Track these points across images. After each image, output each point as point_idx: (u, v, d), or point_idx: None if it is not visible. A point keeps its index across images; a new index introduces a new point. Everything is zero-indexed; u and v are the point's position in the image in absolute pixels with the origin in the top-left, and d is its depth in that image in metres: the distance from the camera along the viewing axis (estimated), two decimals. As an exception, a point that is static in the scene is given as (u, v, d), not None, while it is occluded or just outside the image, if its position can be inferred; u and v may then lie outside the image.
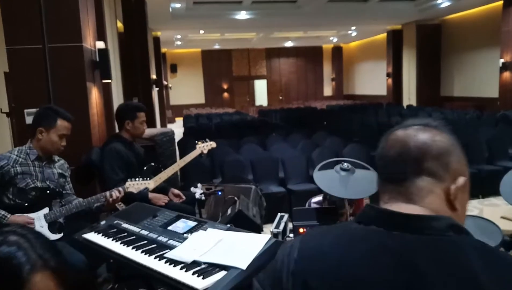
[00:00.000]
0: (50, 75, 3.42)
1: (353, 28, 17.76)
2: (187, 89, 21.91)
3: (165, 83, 17.79)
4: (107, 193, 2.40)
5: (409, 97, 16.07)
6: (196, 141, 3.46)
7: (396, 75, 16.96)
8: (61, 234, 2.33)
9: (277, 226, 2.74)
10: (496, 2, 11.87)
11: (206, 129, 9.56)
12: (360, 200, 1.99)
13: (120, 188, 2.42)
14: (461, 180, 0.81)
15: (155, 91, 11.58)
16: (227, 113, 15.46)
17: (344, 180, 1.82)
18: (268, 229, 3.26)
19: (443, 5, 12.72)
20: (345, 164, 1.90)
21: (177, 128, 12.84)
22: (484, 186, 5.39)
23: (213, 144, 3.44)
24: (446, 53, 15.26)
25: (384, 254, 0.74)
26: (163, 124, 15.12)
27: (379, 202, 0.85)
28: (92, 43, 3.77)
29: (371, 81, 20.80)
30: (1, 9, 3.36)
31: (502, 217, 3.00)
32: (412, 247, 0.74)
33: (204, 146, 3.37)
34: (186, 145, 5.90)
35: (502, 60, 11.44)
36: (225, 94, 22.85)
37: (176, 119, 19.27)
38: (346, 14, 13.77)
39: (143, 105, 3.29)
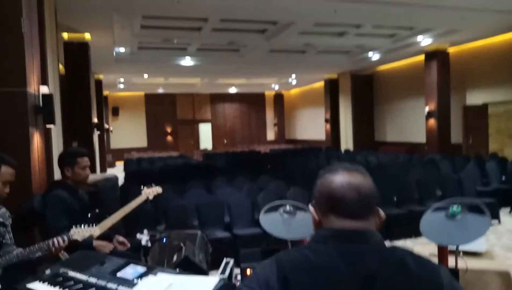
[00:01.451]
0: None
1: (293, 76, 18.74)
2: (128, 132, 21.54)
3: (106, 126, 17.39)
4: (50, 241, 2.34)
5: (346, 141, 16.99)
6: (142, 187, 3.46)
7: (334, 121, 17.92)
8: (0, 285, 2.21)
9: (223, 272, 2.78)
10: (419, 56, 13.20)
11: (148, 174, 9.40)
12: (303, 241, 2.13)
13: (64, 236, 2.37)
14: (382, 213, 1.11)
15: (96, 134, 11.30)
16: (171, 157, 15.30)
17: (287, 222, 1.96)
18: (214, 275, 3.26)
19: (373, 58, 13.91)
20: (287, 206, 2.04)
21: (118, 173, 12.47)
22: (416, 226, 5.75)
23: (158, 190, 3.45)
24: (378, 101, 16.49)
25: (342, 263, 0.98)
26: (103, 169, 14.63)
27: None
28: (36, 88, 3.73)
29: (310, 126, 21.77)
30: None
31: (431, 254, 3.27)
32: (364, 255, 0.99)
33: (150, 192, 3.38)
34: (129, 190, 5.79)
35: (427, 109, 12.58)
36: (169, 137, 22.72)
37: (117, 163, 18.73)
38: (286, 64, 14.58)
39: (85, 150, 3.24)
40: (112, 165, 18.25)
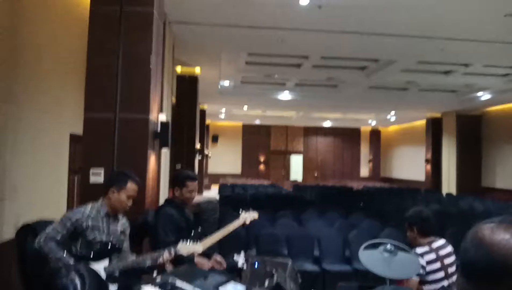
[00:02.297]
0: (117, 141, 3.85)
1: (392, 113, 18.15)
2: (225, 159, 22.63)
3: (206, 152, 18.53)
4: (160, 253, 2.62)
5: (449, 184, 15.80)
6: (240, 211, 3.66)
7: (435, 162, 16.85)
8: (116, 286, 2.53)
9: (311, 304, 2.79)
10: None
11: (241, 199, 9.77)
12: (401, 281, 2.10)
13: (172, 250, 2.64)
14: None
15: (197, 159, 12.12)
16: (262, 185, 15.71)
17: (387, 261, 1.96)
18: (301, 306, 3.28)
19: (483, 98, 12.94)
20: (389, 245, 2.05)
21: (213, 196, 13.11)
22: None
23: (255, 215, 3.61)
24: (487, 144, 15.16)
25: None
26: (200, 191, 15.53)
27: None
28: (155, 116, 4.24)
29: (409, 165, 20.70)
30: (87, 81, 3.91)
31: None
32: None
33: (247, 217, 3.56)
34: (224, 213, 6.11)
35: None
36: (261, 166, 23.34)
37: (212, 186, 19.71)
38: (385, 100, 14.23)
39: (195, 175, 3.58)
40: (208, 188, 19.26)
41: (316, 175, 23.50)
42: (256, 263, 3.58)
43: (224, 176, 20.60)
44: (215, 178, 20.27)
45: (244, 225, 3.53)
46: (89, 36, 3.91)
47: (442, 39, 7.40)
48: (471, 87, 12.02)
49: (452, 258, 2.82)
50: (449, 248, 2.87)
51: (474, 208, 9.91)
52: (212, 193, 16.66)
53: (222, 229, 3.32)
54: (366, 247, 2.16)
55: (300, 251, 5.24)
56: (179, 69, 10.15)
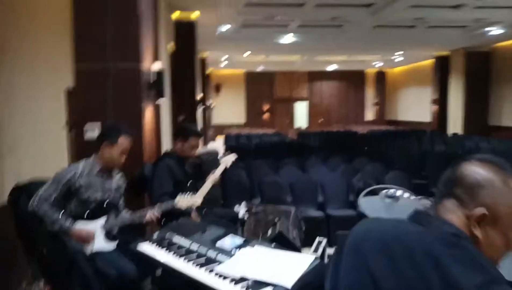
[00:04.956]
0: (111, 93, 3.69)
1: (399, 53, 17.59)
2: (229, 109, 22.40)
3: (209, 102, 18.29)
4: (147, 214, 2.54)
5: (455, 124, 15.61)
6: (219, 156, 3.62)
7: (441, 102, 16.55)
8: (116, 242, 2.50)
9: (315, 250, 2.77)
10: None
11: (245, 149, 9.73)
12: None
13: (155, 212, 2.55)
14: (478, 210, 0.92)
15: (199, 110, 11.95)
16: (266, 134, 15.61)
17: (388, 208, 1.87)
18: (306, 253, 3.28)
19: (494, 33, 12.40)
20: (390, 191, 1.94)
21: (218, 147, 13.10)
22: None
23: (234, 157, 3.55)
24: (496, 81, 14.76)
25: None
26: (205, 142, 15.49)
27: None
28: (149, 65, 4.04)
29: (414, 107, 20.41)
30: (74, 29, 3.68)
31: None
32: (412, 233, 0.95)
33: (227, 160, 3.50)
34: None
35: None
36: (266, 115, 23.14)
37: (217, 137, 19.68)
38: (392, 40, 13.71)
39: (200, 132, 3.49)
40: (213, 139, 19.23)
41: (321, 121, 23.31)
42: (260, 213, 3.55)
43: (228, 126, 20.48)
44: (219, 129, 20.16)
45: (226, 168, 3.46)
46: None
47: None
48: (481, 21, 11.45)
49: None
50: None
51: (480, 148, 9.80)
52: (217, 144, 16.64)
53: (209, 178, 3.23)
54: (367, 194, 2.07)
55: (304, 198, 5.22)
56: (176, 15, 9.71)
